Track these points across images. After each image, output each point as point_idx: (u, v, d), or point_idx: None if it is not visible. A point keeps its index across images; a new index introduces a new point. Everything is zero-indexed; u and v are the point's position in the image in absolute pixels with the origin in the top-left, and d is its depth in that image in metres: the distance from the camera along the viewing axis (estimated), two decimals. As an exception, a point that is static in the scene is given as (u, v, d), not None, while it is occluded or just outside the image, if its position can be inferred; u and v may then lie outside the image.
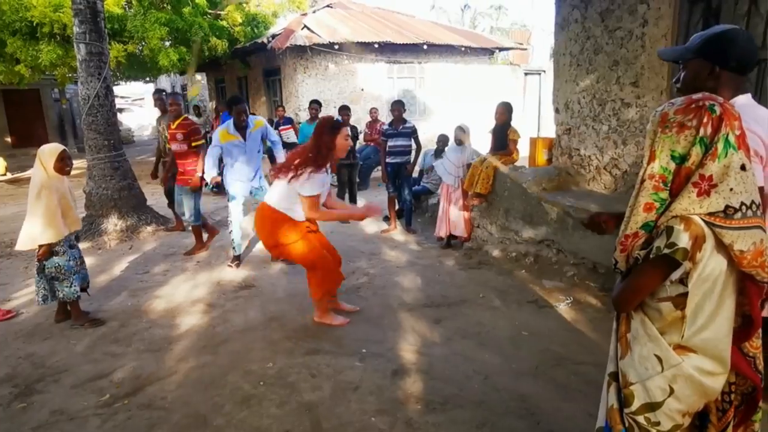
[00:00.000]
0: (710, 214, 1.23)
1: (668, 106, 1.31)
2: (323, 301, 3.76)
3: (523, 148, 5.65)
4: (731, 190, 1.21)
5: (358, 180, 7.50)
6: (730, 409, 1.38)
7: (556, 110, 5.24)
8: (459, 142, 5.50)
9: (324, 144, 3.44)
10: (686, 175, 1.27)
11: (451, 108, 12.07)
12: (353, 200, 7.11)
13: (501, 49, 13.58)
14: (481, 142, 6.70)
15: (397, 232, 6.39)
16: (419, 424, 2.55)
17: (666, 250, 1.24)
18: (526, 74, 14.28)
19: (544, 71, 14.83)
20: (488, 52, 13.49)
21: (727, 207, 1.21)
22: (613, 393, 1.46)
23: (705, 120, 1.24)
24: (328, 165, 3.49)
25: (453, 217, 5.43)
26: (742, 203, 1.21)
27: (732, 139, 1.22)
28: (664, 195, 1.30)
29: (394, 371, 3.05)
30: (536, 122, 14.23)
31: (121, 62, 10.06)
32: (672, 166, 1.29)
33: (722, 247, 1.24)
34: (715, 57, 1.60)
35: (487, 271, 4.86)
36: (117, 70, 11.69)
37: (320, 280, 3.65)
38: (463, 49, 12.40)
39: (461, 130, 5.50)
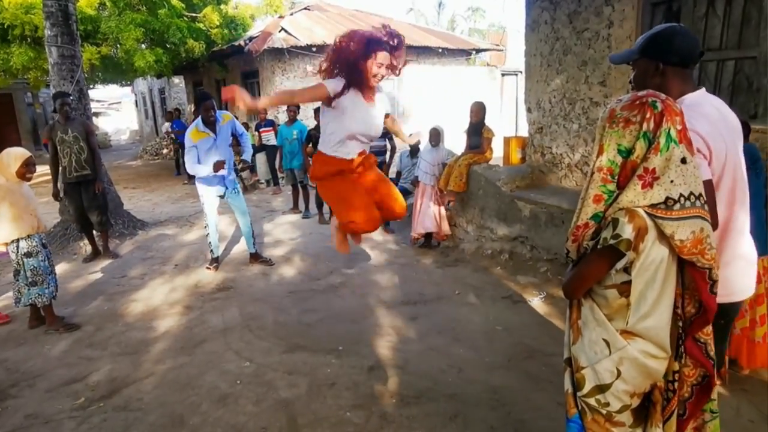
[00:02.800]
0: (652, 205, 1.30)
1: (616, 103, 1.39)
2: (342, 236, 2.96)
3: (497, 147, 5.76)
4: (672, 182, 1.29)
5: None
6: (673, 397, 1.45)
7: (528, 110, 5.36)
8: (434, 143, 5.58)
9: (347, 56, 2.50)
10: (632, 168, 1.35)
11: (429, 109, 12.18)
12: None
13: (478, 51, 13.75)
14: (460, 142, 6.79)
15: (376, 233, 6.44)
16: (394, 417, 2.61)
17: (611, 241, 1.32)
18: (503, 75, 14.47)
19: (521, 72, 15.04)
20: (465, 53, 13.64)
21: (667, 198, 1.29)
22: (568, 378, 1.54)
23: (648, 116, 1.32)
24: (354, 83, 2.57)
25: (430, 215, 5.50)
26: (681, 194, 1.30)
27: (673, 133, 1.30)
28: (612, 187, 1.38)
29: (370, 367, 3.10)
30: (514, 122, 14.43)
31: (95, 65, 9.93)
32: (619, 159, 1.37)
33: (664, 237, 1.32)
34: (657, 54, 1.69)
35: (463, 269, 4.94)
36: (92, 73, 11.52)
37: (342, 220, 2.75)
38: (440, 50, 12.53)
39: (436, 131, 5.59)
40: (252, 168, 9.70)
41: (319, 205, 7.07)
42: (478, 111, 5.46)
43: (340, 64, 2.55)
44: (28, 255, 3.67)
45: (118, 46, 9.65)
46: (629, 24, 4.27)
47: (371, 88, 2.67)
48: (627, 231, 1.30)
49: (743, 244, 1.76)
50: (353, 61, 2.50)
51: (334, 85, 2.54)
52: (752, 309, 2.73)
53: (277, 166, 9.77)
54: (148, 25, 9.25)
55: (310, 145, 6.93)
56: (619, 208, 1.34)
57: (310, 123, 7.91)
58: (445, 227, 5.53)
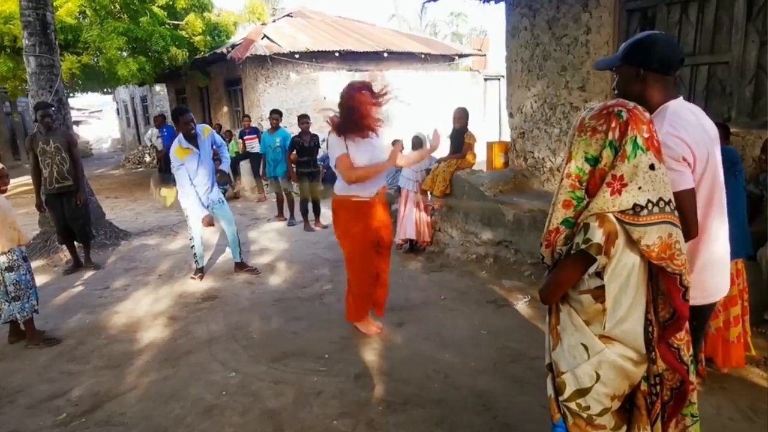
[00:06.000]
0: (621, 211, 1.34)
1: (587, 112, 1.43)
2: (358, 316, 3.66)
3: (480, 152, 5.81)
4: (639, 188, 1.33)
5: (321, 188, 7.52)
6: (657, 401, 1.48)
7: (510, 114, 5.43)
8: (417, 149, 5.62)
9: (345, 108, 3.22)
10: (601, 176, 1.38)
11: (412, 114, 12.23)
12: (317, 209, 7.14)
13: (460, 56, 13.86)
14: (444, 148, 6.83)
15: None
16: (380, 424, 2.61)
17: (582, 246, 1.35)
18: (485, 80, 14.61)
19: (503, 76, 15.19)
20: (448, 58, 13.74)
21: (635, 205, 1.33)
22: (549, 383, 1.56)
23: (613, 125, 1.35)
24: (366, 130, 3.27)
25: (414, 221, 5.53)
26: (649, 200, 1.33)
27: (640, 141, 1.33)
28: (580, 193, 1.42)
29: (356, 375, 3.10)
30: (497, 127, 14.55)
31: (75, 74, 9.81)
32: (587, 167, 1.40)
33: (633, 243, 1.36)
34: (638, 61, 1.72)
35: (448, 274, 4.97)
36: (72, 82, 11.38)
37: (352, 299, 3.61)
38: (423, 56, 12.60)
39: (418, 138, 5.64)
40: (229, 180, 9.64)
41: (304, 212, 7.06)
42: (461, 117, 5.52)
43: (344, 119, 3.27)
44: (9, 269, 3.60)
45: (100, 54, 9.54)
46: (606, 30, 4.35)
47: (369, 130, 3.32)
48: (597, 235, 1.33)
49: (717, 247, 1.81)
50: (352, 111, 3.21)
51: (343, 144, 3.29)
52: (726, 310, 2.79)
53: (260, 173, 9.77)
54: (130, 33, 9.17)
55: (294, 152, 6.93)
56: (590, 213, 1.37)
57: (293, 130, 7.92)
58: (428, 233, 5.56)
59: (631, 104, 1.38)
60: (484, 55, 13.86)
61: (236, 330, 3.86)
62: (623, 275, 1.37)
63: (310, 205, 7.08)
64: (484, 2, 5.41)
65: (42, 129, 5.21)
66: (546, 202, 4.64)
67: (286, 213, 7.70)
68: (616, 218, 1.34)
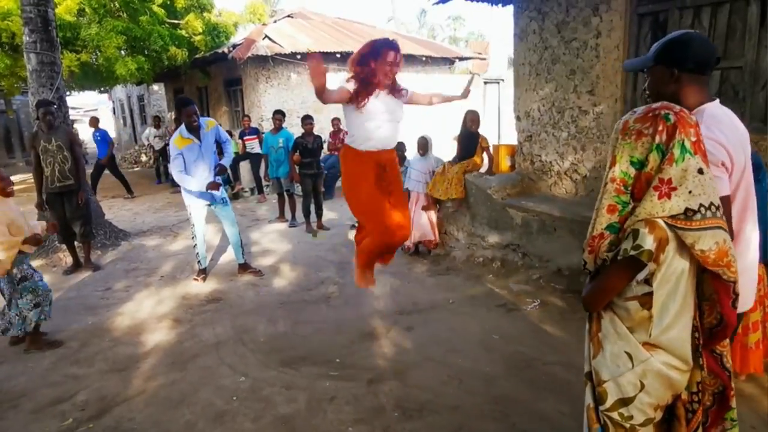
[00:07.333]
0: (672, 216, 1.30)
1: (630, 115, 1.39)
2: (363, 267, 3.33)
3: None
4: (690, 192, 1.29)
5: (323, 189, 7.47)
6: (699, 408, 1.44)
7: (518, 118, 5.40)
8: (422, 152, 5.59)
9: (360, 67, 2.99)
10: (647, 179, 1.34)
11: (413, 116, 12.21)
12: (319, 210, 7.08)
13: (461, 59, 13.85)
14: (445, 150, 6.81)
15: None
16: (397, 431, 2.56)
17: (632, 252, 1.31)
18: (485, 83, 14.61)
19: (503, 80, 15.21)
20: (448, 61, 13.73)
21: (686, 209, 1.29)
22: (589, 392, 1.52)
23: (660, 128, 1.31)
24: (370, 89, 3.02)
25: (421, 224, 5.48)
26: (701, 205, 1.29)
27: (688, 144, 1.30)
28: (626, 198, 1.38)
29: (369, 380, 3.05)
30: (496, 130, 14.56)
31: (74, 72, 9.70)
32: (632, 171, 1.36)
33: (685, 248, 1.32)
34: (672, 61, 1.66)
35: (455, 277, 4.93)
36: (70, 80, 11.26)
37: (363, 245, 3.25)
38: (424, 59, 12.58)
39: (424, 140, 5.60)
40: (228, 177, 9.55)
41: (306, 214, 7.00)
42: (476, 120, 5.45)
43: (358, 71, 3.00)
44: (23, 279, 3.53)
45: (99, 53, 9.44)
46: (617, 34, 4.33)
47: (387, 87, 3.11)
48: (648, 242, 1.29)
49: (750, 256, 1.77)
50: (367, 65, 2.98)
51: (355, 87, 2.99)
52: (746, 316, 2.76)
53: (262, 174, 9.69)
54: (129, 32, 9.08)
55: (297, 153, 6.87)
56: (638, 219, 1.33)
57: (294, 131, 7.86)
58: (435, 234, 5.52)
59: (678, 107, 1.35)
60: (485, 58, 13.86)
61: (243, 333, 3.79)
62: (672, 281, 1.33)
63: (312, 207, 7.02)
64: (492, 4, 5.38)
65: (44, 127, 5.12)
66: (554, 206, 4.61)
67: (288, 214, 7.64)
68: (667, 223, 1.30)
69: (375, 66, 2.97)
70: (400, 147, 6.70)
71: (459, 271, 5.06)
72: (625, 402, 1.41)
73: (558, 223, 4.48)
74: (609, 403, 1.44)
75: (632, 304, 1.39)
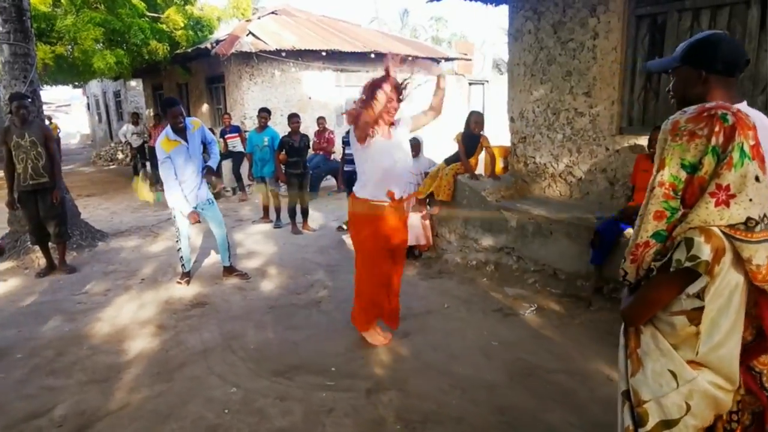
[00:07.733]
0: (730, 226, 1.20)
1: (680, 115, 1.29)
2: (364, 324, 3.53)
3: (479, 157, 5.69)
4: (751, 200, 1.19)
5: (308, 189, 7.31)
6: (738, 428, 1.35)
7: (511, 119, 5.33)
8: (414, 154, 5.46)
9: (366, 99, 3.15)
10: (700, 184, 1.24)
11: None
12: (305, 209, 6.91)
13: (447, 59, 13.81)
14: (441, 150, 6.70)
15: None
16: (400, 445, 2.43)
17: (687, 263, 1.21)
18: (470, 84, 14.61)
19: (488, 81, 15.24)
20: (434, 62, 13.68)
21: (748, 219, 1.19)
22: (627, 412, 1.41)
23: (717, 129, 1.21)
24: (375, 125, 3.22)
25: (413, 226, 5.36)
26: (764, 215, 1.20)
27: (746, 148, 1.20)
28: (675, 204, 1.27)
29: (368, 390, 2.91)
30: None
31: (48, 65, 9.32)
32: (683, 174, 1.26)
33: (740, 261, 1.22)
34: (700, 62, 1.59)
35: (448, 281, 4.82)
36: (44, 73, 10.82)
37: (360, 305, 3.49)
38: (410, 58, 12.51)
39: (416, 141, 5.49)
40: (219, 176, 9.34)
41: (292, 215, 6.83)
42: (480, 122, 5.32)
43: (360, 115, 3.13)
44: None
45: (75, 45, 9.08)
46: (615, 36, 4.29)
47: (388, 125, 3.31)
48: (705, 252, 1.19)
49: None
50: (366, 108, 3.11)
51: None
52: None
53: (246, 173, 9.46)
54: (107, 24, 8.75)
55: (283, 152, 6.69)
56: (691, 227, 1.23)
57: (280, 130, 7.68)
58: (428, 238, 5.42)
59: (734, 107, 1.25)
60: (471, 59, 13.86)
61: (232, 340, 3.62)
62: (725, 295, 1.23)
63: (298, 207, 6.85)
64: (486, 4, 5.30)
65: (17, 121, 4.85)
66: (549, 209, 4.54)
67: (272, 215, 7.44)
68: (724, 233, 1.20)
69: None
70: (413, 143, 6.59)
71: (452, 275, 4.95)
72: (668, 424, 1.31)
73: (554, 227, 4.42)
74: (651, 425, 1.33)
75: (679, 319, 1.28)
